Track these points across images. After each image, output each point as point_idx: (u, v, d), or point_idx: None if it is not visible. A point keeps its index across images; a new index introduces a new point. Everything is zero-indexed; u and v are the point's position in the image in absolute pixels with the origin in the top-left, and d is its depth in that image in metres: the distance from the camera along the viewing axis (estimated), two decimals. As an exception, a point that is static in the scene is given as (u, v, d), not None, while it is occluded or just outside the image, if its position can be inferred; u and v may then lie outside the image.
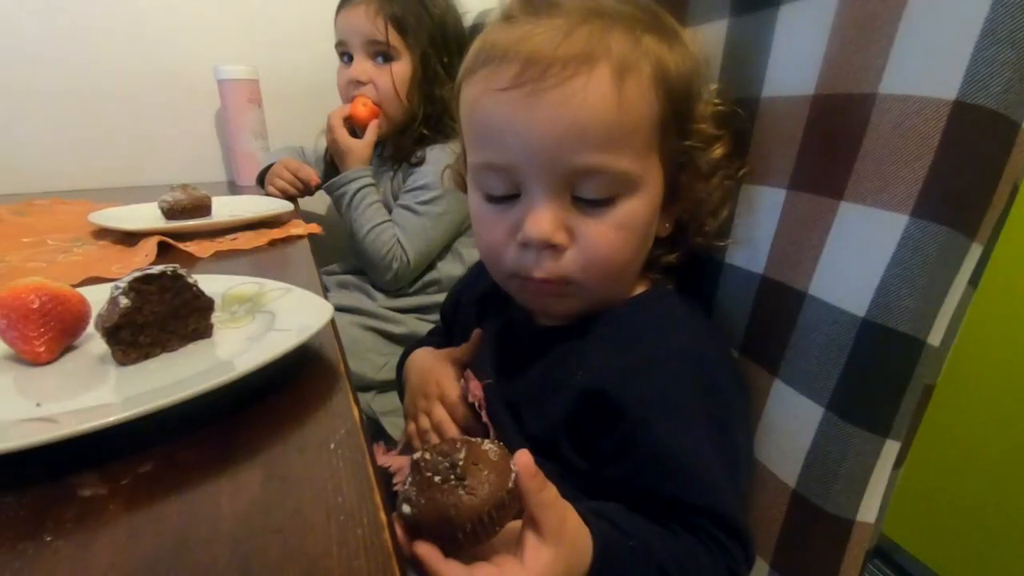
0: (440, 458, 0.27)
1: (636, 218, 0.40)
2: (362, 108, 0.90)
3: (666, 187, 0.42)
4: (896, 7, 0.33)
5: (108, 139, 1.13)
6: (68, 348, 0.34)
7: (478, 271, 0.58)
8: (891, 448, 0.36)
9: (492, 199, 0.42)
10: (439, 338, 0.64)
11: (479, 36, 0.43)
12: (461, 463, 0.27)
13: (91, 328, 0.35)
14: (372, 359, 0.92)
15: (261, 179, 1.03)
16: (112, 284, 0.32)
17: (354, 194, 0.89)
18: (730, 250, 0.46)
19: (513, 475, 0.28)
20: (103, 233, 0.69)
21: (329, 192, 0.92)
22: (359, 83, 0.91)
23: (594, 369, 0.40)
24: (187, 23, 1.13)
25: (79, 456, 0.24)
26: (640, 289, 0.46)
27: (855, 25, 0.36)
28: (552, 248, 0.39)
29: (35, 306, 0.32)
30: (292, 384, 0.31)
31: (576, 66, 0.36)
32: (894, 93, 0.34)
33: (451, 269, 0.97)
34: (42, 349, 0.32)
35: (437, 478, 0.26)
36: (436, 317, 0.99)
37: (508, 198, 0.41)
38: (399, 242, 0.89)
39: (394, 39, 0.89)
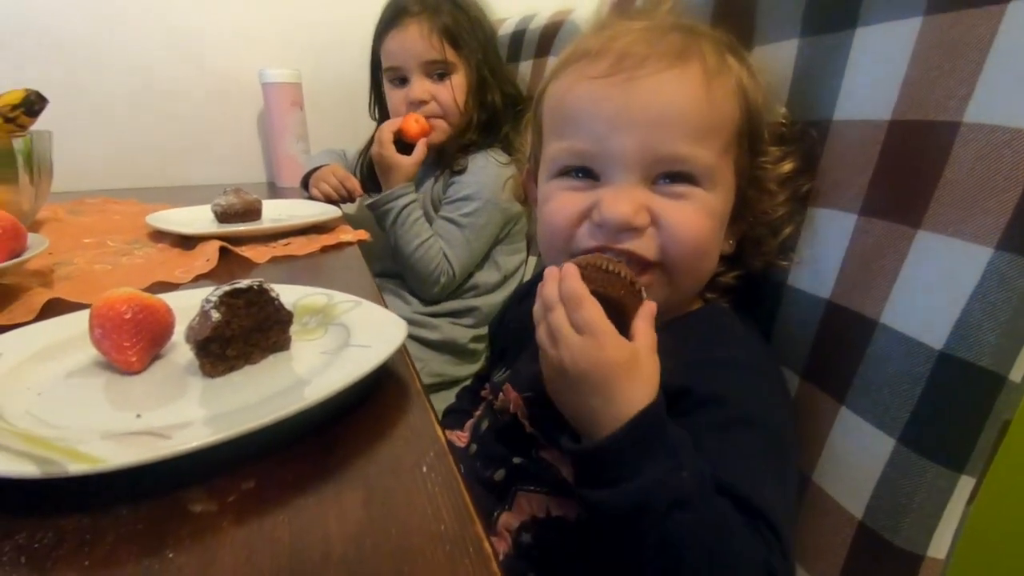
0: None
1: (713, 209, 0.40)
2: (414, 124, 0.89)
3: (735, 199, 0.42)
4: (985, 36, 0.33)
5: (154, 140, 1.17)
6: (155, 357, 0.35)
7: (525, 291, 0.59)
8: (966, 483, 0.35)
9: (569, 180, 0.42)
10: (466, 403, 0.63)
11: (571, 42, 0.44)
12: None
13: (175, 337, 0.37)
14: (408, 363, 0.93)
15: (305, 182, 1.04)
16: (203, 298, 0.33)
17: (400, 211, 0.89)
18: (794, 272, 0.46)
19: (643, 289, 0.36)
20: (158, 235, 0.71)
21: (373, 208, 0.92)
22: (421, 102, 0.91)
23: None
24: (233, 28, 1.15)
25: (185, 470, 0.25)
26: (696, 306, 0.46)
27: (939, 51, 0.35)
28: (630, 231, 0.39)
29: (128, 316, 0.33)
30: (372, 401, 0.32)
31: (671, 60, 0.38)
32: (980, 122, 0.33)
33: (487, 276, 0.98)
34: (134, 359, 0.33)
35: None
36: (470, 322, 1.00)
37: (586, 180, 0.41)
38: (445, 256, 0.90)
39: (450, 54, 0.90)
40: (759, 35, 0.47)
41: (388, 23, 0.93)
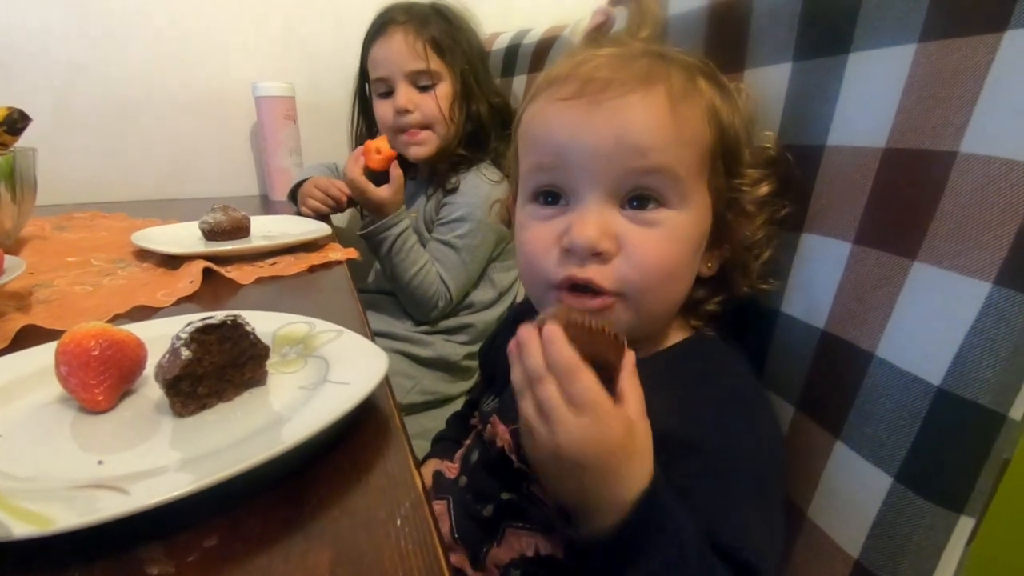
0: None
1: (685, 232, 0.39)
2: (375, 156, 0.85)
3: (712, 223, 0.42)
4: (981, 64, 0.32)
5: (146, 152, 1.16)
6: (126, 393, 0.34)
7: (515, 317, 0.58)
8: (965, 524, 0.34)
9: (539, 208, 0.41)
10: (455, 430, 0.62)
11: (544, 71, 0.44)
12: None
13: (148, 370, 0.35)
14: (399, 382, 0.91)
15: (292, 195, 1.04)
16: (174, 335, 0.32)
17: (395, 240, 0.86)
18: (787, 300, 0.45)
19: (625, 341, 0.34)
20: (145, 254, 0.69)
21: (367, 239, 0.89)
22: (406, 111, 0.90)
23: None
24: (226, 40, 1.15)
25: (143, 527, 0.24)
26: (683, 336, 0.45)
27: (934, 79, 0.34)
28: (598, 256, 0.38)
29: (95, 353, 0.32)
30: (349, 440, 0.31)
31: (635, 84, 0.38)
32: (976, 153, 0.32)
33: (482, 294, 0.97)
34: (101, 397, 0.32)
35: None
36: (464, 339, 0.99)
37: (555, 207, 0.41)
38: (442, 279, 0.89)
39: (435, 63, 0.89)
40: (752, 58, 0.47)
41: (375, 33, 0.92)
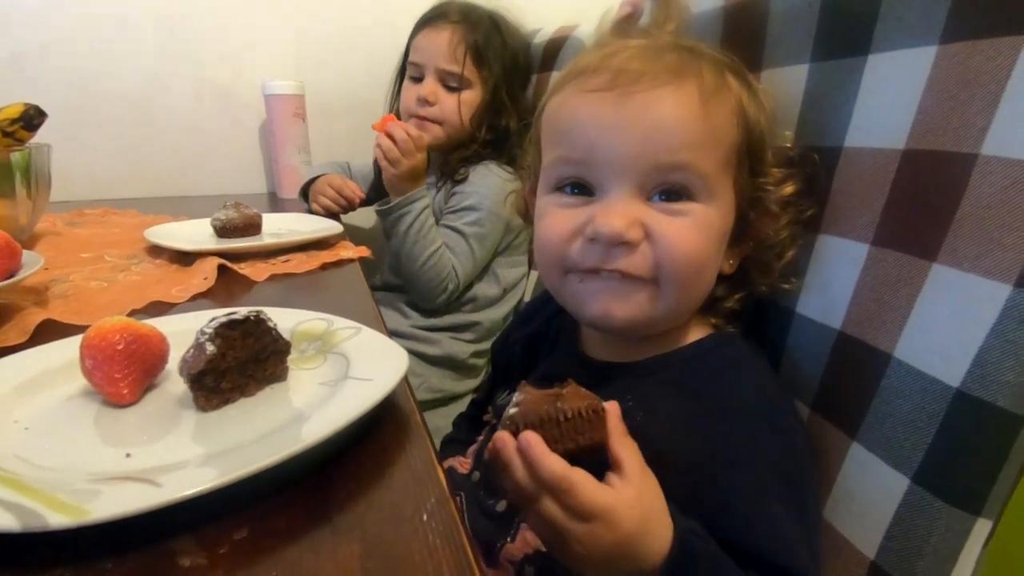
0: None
1: (711, 224, 0.39)
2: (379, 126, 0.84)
3: (735, 221, 0.42)
4: (1004, 66, 0.32)
5: (157, 150, 1.16)
6: (148, 387, 0.34)
7: (528, 313, 0.58)
8: (983, 527, 0.34)
9: (563, 196, 0.41)
10: (463, 432, 0.62)
11: (572, 59, 0.44)
12: (558, 384, 0.33)
13: (169, 364, 0.36)
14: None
15: (304, 192, 1.04)
16: (198, 328, 0.32)
17: (417, 216, 0.85)
18: (803, 300, 0.45)
19: (602, 407, 0.32)
20: (158, 250, 0.70)
21: (388, 213, 0.86)
22: (427, 102, 0.91)
23: (657, 414, 0.39)
24: (236, 40, 1.15)
25: (175, 519, 0.24)
26: (703, 333, 0.45)
27: (955, 80, 0.34)
28: (624, 245, 0.38)
29: (120, 347, 0.32)
30: (372, 438, 0.31)
31: (667, 77, 0.38)
32: (998, 155, 0.32)
33: (487, 290, 0.97)
34: (126, 391, 0.32)
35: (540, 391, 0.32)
36: (470, 337, 0.99)
37: (580, 197, 0.40)
38: (452, 265, 0.89)
39: (469, 71, 0.90)
40: (768, 59, 0.47)
41: (426, 21, 0.93)
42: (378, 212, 0.89)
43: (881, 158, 0.38)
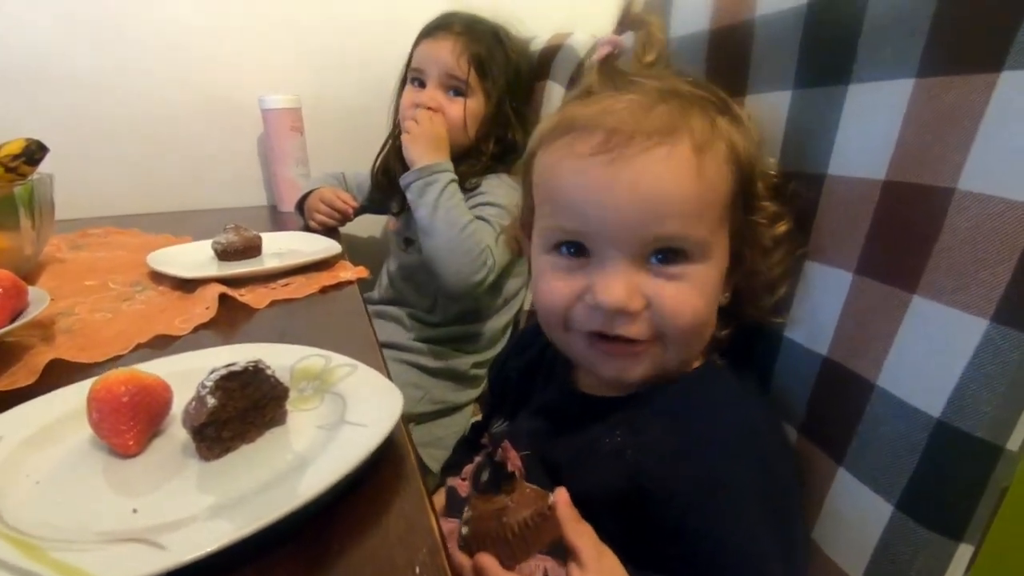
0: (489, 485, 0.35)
1: (710, 282, 0.40)
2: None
3: (730, 258, 0.43)
4: (978, 103, 0.32)
5: (157, 166, 1.17)
6: (153, 435, 0.36)
7: (525, 340, 0.59)
8: (964, 552, 0.35)
9: (560, 258, 0.42)
10: (464, 456, 0.63)
11: (556, 110, 0.44)
12: (505, 486, 0.36)
13: (174, 408, 0.37)
14: (408, 392, 0.92)
15: (300, 206, 1.04)
16: (199, 383, 0.33)
17: (447, 184, 0.82)
18: (791, 325, 0.45)
19: (551, 498, 0.35)
20: (160, 276, 0.71)
21: (413, 179, 0.84)
22: (429, 109, 0.90)
23: (645, 448, 0.40)
24: (233, 52, 1.16)
25: (174, 573, 0.25)
26: (693, 364, 0.46)
27: (932, 115, 0.35)
28: (625, 315, 0.39)
29: (125, 400, 0.33)
30: (366, 481, 0.32)
31: (660, 137, 0.37)
32: (973, 191, 0.33)
33: (488, 300, 0.98)
34: (132, 442, 0.33)
35: (487, 495, 0.35)
36: (471, 348, 0.99)
37: (577, 259, 0.41)
38: (488, 243, 0.84)
39: (473, 79, 0.89)
40: (752, 85, 0.47)
41: (429, 31, 0.93)
42: (403, 185, 0.85)
43: (863, 187, 0.39)
